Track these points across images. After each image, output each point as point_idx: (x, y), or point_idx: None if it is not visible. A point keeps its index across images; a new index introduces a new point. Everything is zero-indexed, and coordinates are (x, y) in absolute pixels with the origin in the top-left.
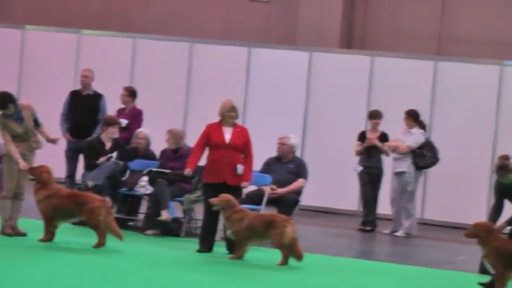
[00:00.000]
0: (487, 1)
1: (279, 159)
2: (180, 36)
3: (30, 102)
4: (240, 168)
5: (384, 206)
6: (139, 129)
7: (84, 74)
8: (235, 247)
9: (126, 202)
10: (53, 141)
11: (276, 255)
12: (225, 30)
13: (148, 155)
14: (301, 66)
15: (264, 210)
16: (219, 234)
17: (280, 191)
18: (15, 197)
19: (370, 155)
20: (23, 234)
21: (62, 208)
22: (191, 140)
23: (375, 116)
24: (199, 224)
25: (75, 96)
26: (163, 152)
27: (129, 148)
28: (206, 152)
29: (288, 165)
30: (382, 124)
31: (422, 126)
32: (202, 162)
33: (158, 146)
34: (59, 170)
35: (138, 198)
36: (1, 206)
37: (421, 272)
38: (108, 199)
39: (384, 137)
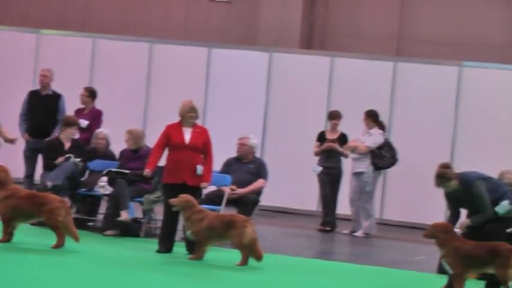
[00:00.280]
0: (446, 2)
1: (239, 159)
2: (140, 37)
3: None
4: (200, 169)
5: (343, 206)
6: (99, 130)
7: (43, 74)
8: (195, 247)
9: (85, 202)
10: (11, 141)
11: (236, 255)
12: (185, 31)
13: (108, 156)
14: (261, 66)
15: (223, 210)
16: (179, 234)
17: (240, 191)
18: None
19: (330, 156)
20: None
21: (20, 209)
22: (151, 140)
23: (334, 116)
24: (159, 224)
25: (34, 96)
26: (122, 153)
27: (89, 148)
28: (166, 153)
29: (248, 166)
30: (342, 124)
31: (381, 126)
32: (162, 162)
33: (118, 146)
34: (18, 170)
35: (98, 199)
36: None
37: (380, 272)
38: (67, 199)
39: (343, 138)
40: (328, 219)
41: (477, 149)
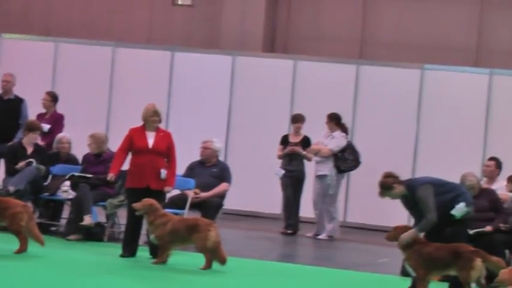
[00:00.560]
0: (408, 6)
1: (203, 163)
2: (103, 40)
3: None
4: (164, 173)
5: (307, 209)
6: (62, 134)
7: (5, 79)
8: (158, 251)
9: (48, 207)
10: None
11: (200, 259)
12: (148, 34)
13: (71, 160)
14: (224, 70)
15: (187, 214)
16: (143, 238)
17: (204, 195)
18: None
19: (292, 159)
20: None
21: None
22: (114, 144)
23: (297, 119)
24: (123, 228)
25: None
26: (85, 157)
27: (51, 153)
28: (129, 157)
29: (211, 169)
30: (305, 127)
31: (344, 129)
32: (126, 166)
33: (80, 150)
34: None
35: (61, 203)
36: None
37: (344, 275)
38: (30, 204)
39: (306, 141)
40: (290, 222)
41: (439, 151)
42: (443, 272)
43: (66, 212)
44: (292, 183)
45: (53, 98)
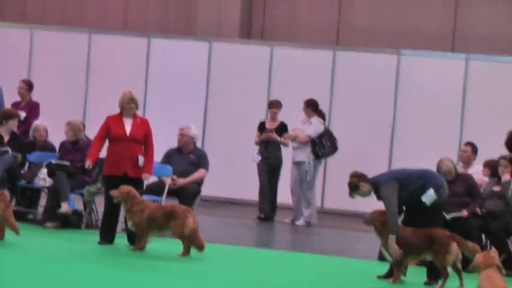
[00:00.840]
0: None
1: (180, 150)
2: (79, 27)
3: None
4: (141, 160)
5: (284, 195)
6: (38, 122)
7: None
8: (136, 238)
9: (25, 195)
10: None
11: (177, 245)
12: (123, 21)
13: (47, 148)
14: (201, 56)
15: (164, 201)
16: (120, 226)
17: (181, 181)
18: None
19: (269, 145)
20: None
21: None
22: (90, 132)
23: (273, 105)
24: (100, 216)
25: None
26: (62, 144)
27: (28, 141)
28: (106, 144)
29: (188, 156)
30: (282, 114)
31: (321, 115)
32: (103, 154)
33: (56, 138)
34: None
35: (38, 191)
36: None
37: (321, 260)
38: (6, 192)
39: (283, 127)
40: (263, 207)
41: (416, 136)
42: (419, 256)
43: (43, 200)
44: (269, 169)
45: (28, 86)
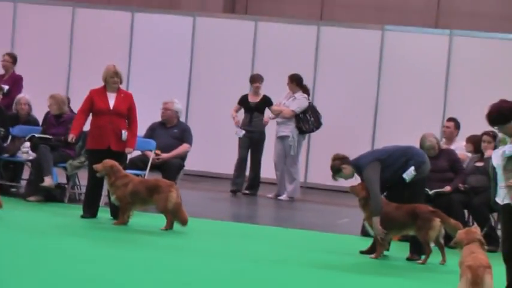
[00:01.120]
0: None
1: (163, 124)
2: (63, 1)
3: None
4: (124, 134)
5: (268, 170)
6: (21, 95)
7: None
8: (119, 212)
9: (8, 168)
10: None
11: (161, 220)
12: None
13: (31, 121)
14: (185, 31)
15: (148, 175)
16: (103, 199)
17: (165, 156)
18: None
19: (253, 119)
20: None
21: None
22: (74, 105)
23: (255, 79)
24: (83, 189)
25: None
26: (46, 118)
27: (10, 114)
28: (90, 118)
29: (172, 130)
30: (267, 88)
31: (305, 90)
32: (86, 127)
33: (39, 112)
34: None
35: (21, 164)
36: None
37: (304, 235)
38: None
39: (266, 101)
40: (237, 181)
41: (400, 112)
42: (402, 232)
43: (26, 173)
44: (252, 143)
45: (13, 59)
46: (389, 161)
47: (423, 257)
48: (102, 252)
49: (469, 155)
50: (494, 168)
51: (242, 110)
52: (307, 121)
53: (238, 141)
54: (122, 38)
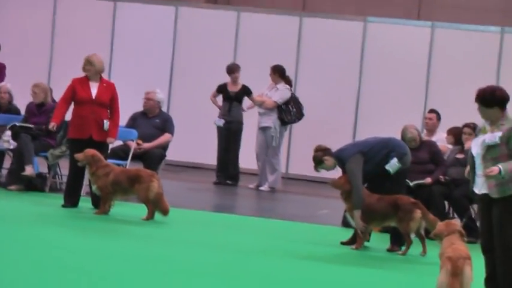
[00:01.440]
0: None
1: (145, 113)
2: None
3: None
4: (106, 124)
5: (249, 161)
6: (2, 83)
7: None
8: (100, 202)
9: None
10: None
11: (142, 210)
12: None
13: (12, 110)
14: (167, 21)
15: (129, 165)
16: (85, 189)
17: (146, 146)
18: None
19: (232, 109)
20: None
21: None
22: (56, 95)
23: (232, 70)
24: (64, 179)
25: None
26: (28, 107)
27: None
28: (72, 107)
29: (154, 120)
30: (249, 79)
31: (288, 82)
32: (68, 117)
33: (21, 101)
34: None
35: (2, 153)
36: None
37: (285, 226)
38: None
39: (245, 90)
40: (221, 173)
41: (381, 103)
42: (383, 223)
43: (7, 162)
44: (231, 134)
45: None
46: (371, 153)
47: (403, 248)
48: (82, 241)
49: (450, 146)
50: (473, 157)
51: (220, 98)
52: (289, 112)
53: (218, 131)
54: (104, 27)
